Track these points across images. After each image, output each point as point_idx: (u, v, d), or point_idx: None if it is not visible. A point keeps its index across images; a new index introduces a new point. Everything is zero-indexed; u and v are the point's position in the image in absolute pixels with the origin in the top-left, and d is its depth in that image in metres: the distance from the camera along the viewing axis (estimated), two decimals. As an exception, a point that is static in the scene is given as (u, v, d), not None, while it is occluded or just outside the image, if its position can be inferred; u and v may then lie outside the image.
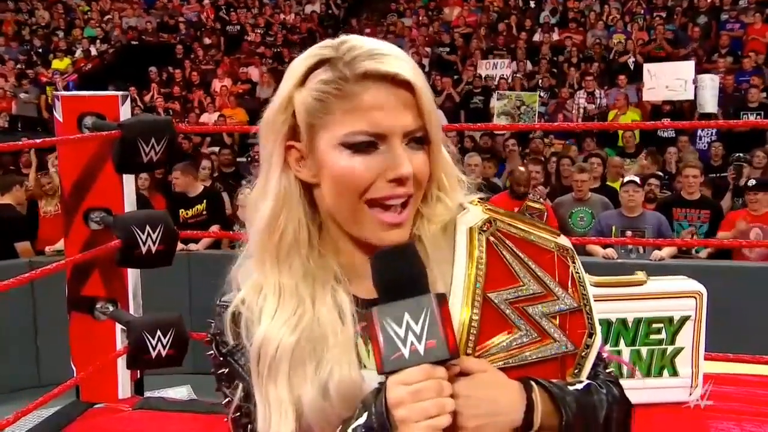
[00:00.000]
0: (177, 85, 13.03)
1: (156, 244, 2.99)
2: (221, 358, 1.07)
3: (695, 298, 2.02)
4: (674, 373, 2.19)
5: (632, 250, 5.82)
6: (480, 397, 0.94)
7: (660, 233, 5.72)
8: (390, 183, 0.97)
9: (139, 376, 3.53)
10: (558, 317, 1.03)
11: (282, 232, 1.01)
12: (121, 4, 16.56)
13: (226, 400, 1.08)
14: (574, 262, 1.07)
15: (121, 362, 3.36)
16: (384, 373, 0.90)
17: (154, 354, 3.03)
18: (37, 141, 3.48)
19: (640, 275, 1.73)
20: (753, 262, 5.72)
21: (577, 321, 1.04)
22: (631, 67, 11.68)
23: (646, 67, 9.82)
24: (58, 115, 3.29)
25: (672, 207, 6.19)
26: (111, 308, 3.30)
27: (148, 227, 3.00)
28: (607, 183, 7.19)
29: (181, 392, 4.04)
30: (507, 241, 1.05)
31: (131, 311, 3.38)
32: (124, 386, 3.46)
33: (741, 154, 7.72)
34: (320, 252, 1.04)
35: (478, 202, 1.09)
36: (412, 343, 0.89)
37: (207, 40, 14.64)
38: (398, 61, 0.98)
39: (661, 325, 2.13)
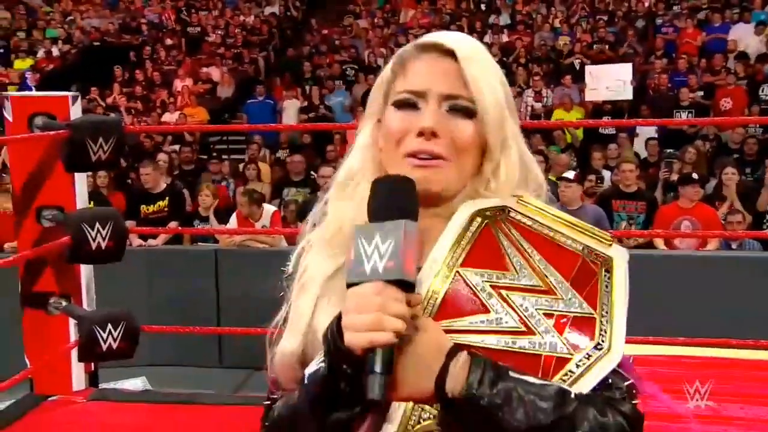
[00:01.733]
0: (139, 85, 12.88)
1: (105, 241, 2.98)
2: (283, 284, 1.13)
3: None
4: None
5: (573, 241, 5.93)
6: (411, 352, 0.91)
7: (598, 224, 5.81)
8: (418, 138, 1.02)
9: (93, 368, 3.50)
10: (555, 316, 0.96)
11: (357, 183, 1.09)
12: (83, 6, 16.29)
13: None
14: (607, 273, 1.00)
15: (75, 355, 3.33)
16: (347, 285, 0.92)
17: (105, 347, 3.01)
18: (-12, 141, 3.42)
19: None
20: (681, 251, 5.86)
21: (582, 327, 0.95)
22: (577, 68, 11.86)
23: (588, 69, 9.97)
24: (7, 115, 3.24)
25: (611, 199, 6.32)
26: (64, 303, 3.26)
27: (98, 224, 2.98)
28: (550, 177, 7.29)
29: (135, 383, 4.01)
30: (513, 230, 1.02)
31: (85, 306, 3.35)
32: (78, 378, 3.42)
33: (672, 151, 7.89)
34: None
35: (518, 196, 1.06)
36: (374, 261, 0.91)
37: (168, 41, 14.49)
38: (453, 36, 1.07)
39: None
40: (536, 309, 0.96)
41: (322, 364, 0.94)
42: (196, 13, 15.52)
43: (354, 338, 0.89)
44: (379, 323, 0.87)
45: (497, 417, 0.89)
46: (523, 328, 0.95)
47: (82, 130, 2.92)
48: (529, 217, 1.04)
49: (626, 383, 0.97)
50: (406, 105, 1.05)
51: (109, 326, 3.02)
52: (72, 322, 3.32)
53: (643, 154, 8.89)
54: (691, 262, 5.42)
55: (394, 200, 0.95)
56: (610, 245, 1.02)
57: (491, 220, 1.02)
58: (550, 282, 0.97)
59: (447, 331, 0.95)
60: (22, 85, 12.63)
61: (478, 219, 1.02)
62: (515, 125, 1.09)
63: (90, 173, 5.13)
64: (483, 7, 14.87)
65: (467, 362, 0.91)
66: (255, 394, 3.95)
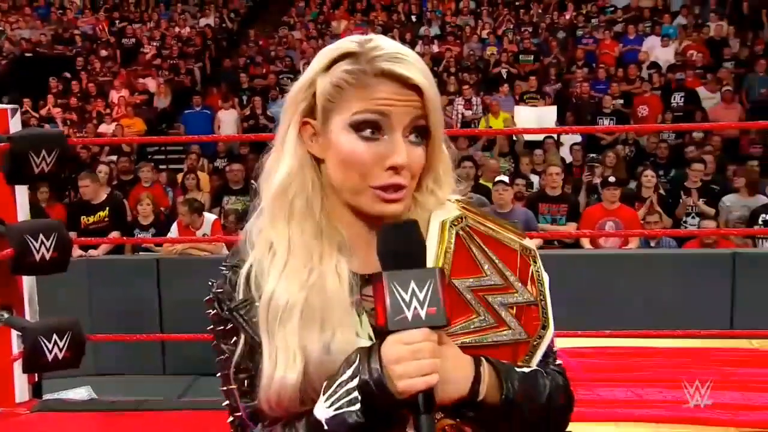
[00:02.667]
0: (74, 96, 12.56)
1: (50, 252, 2.93)
2: (225, 313, 1.08)
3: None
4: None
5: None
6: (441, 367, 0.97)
7: (528, 226, 5.97)
8: (387, 171, 1.01)
9: (36, 379, 3.43)
10: (515, 308, 1.07)
11: (294, 195, 1.05)
12: (13, 17, 15.80)
13: (224, 356, 1.09)
14: (535, 262, 1.11)
15: (18, 367, 3.26)
16: (388, 331, 0.94)
17: (50, 357, 2.96)
18: (-74, 154, 3.32)
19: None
20: (606, 249, 6.07)
21: (533, 313, 1.08)
22: (504, 77, 12.13)
23: (516, 109, 10.24)
24: (-54, 128, 3.17)
25: (538, 202, 6.50)
26: (6, 315, 3.20)
27: (41, 236, 2.93)
28: (481, 182, 7.44)
29: (80, 393, 3.94)
30: (475, 237, 1.09)
31: (27, 317, 3.29)
32: (21, 390, 3.35)
33: (594, 155, 8.15)
34: (329, 217, 1.07)
35: (456, 201, 1.13)
36: (415, 308, 0.93)
37: (103, 53, 14.17)
38: (413, 65, 1.03)
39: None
40: (502, 305, 1.07)
41: (350, 409, 0.96)
42: (130, 25, 15.24)
43: (410, 384, 0.92)
44: (434, 368, 0.93)
45: (520, 411, 1.03)
46: (497, 324, 1.06)
47: (23, 143, 2.88)
48: (478, 221, 1.11)
49: (554, 349, 1.14)
50: (369, 135, 1.02)
51: (55, 336, 2.97)
52: (14, 333, 3.25)
53: (569, 158, 9.16)
54: (615, 260, 5.62)
55: (415, 247, 0.98)
56: (524, 237, 1.14)
57: (458, 229, 1.09)
58: (508, 278, 1.08)
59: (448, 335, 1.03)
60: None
61: (448, 229, 1.09)
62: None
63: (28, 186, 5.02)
64: (414, 18, 15.04)
65: (491, 368, 1.02)
66: (200, 399, 3.93)
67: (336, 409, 0.96)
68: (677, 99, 10.71)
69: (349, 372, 0.97)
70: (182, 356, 5.40)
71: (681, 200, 6.91)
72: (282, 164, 1.07)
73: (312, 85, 1.06)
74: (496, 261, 1.09)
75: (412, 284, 0.94)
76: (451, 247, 1.08)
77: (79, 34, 14.80)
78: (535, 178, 7.78)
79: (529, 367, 1.07)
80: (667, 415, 2.53)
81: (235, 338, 1.08)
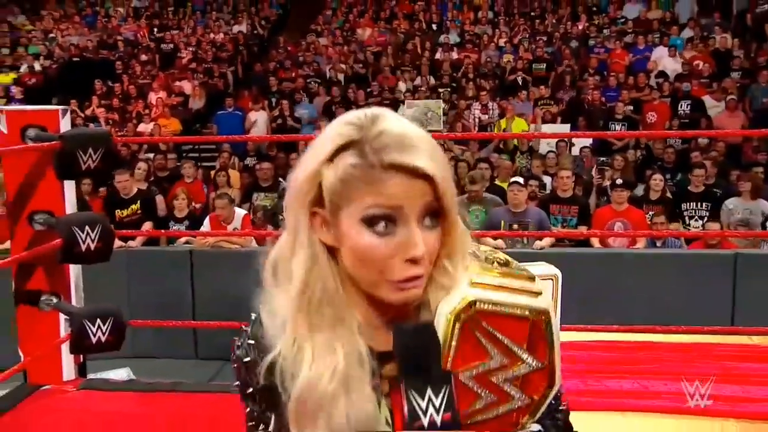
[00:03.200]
0: (116, 98, 12.71)
1: (94, 242, 2.98)
2: (252, 388, 1.06)
3: (552, 281, 2.14)
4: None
5: (518, 240, 6.06)
6: None
7: (541, 226, 5.96)
8: (406, 263, 0.95)
9: (82, 360, 3.49)
10: (521, 379, 1.01)
11: (313, 289, 0.98)
12: (64, 24, 16.03)
13: (252, 418, 1.08)
14: (548, 325, 1.03)
15: (65, 348, 3.32)
16: None
17: (94, 340, 3.02)
18: (-17, 151, 3.39)
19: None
20: (614, 249, 6.04)
21: (540, 378, 1.02)
22: (520, 83, 12.10)
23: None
24: (2, 127, 3.23)
25: (549, 204, 6.47)
26: (54, 300, 3.26)
27: (87, 227, 2.98)
28: (496, 182, 7.43)
29: (120, 374, 4.00)
30: (483, 322, 1.01)
31: (74, 303, 3.34)
32: (68, 369, 3.41)
33: (604, 159, 8.11)
34: (348, 302, 1.00)
35: (472, 282, 1.02)
36: (431, 415, 0.94)
37: (143, 57, 14.32)
38: (422, 151, 0.94)
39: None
40: (506, 380, 1.02)
41: None
42: (168, 32, 15.38)
43: None
44: None
45: None
46: (500, 399, 1.02)
47: (73, 142, 2.92)
48: (488, 302, 1.02)
49: (561, 392, 1.09)
50: (383, 229, 0.94)
51: (98, 321, 3.03)
52: (62, 317, 3.31)
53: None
54: (623, 258, 5.60)
55: (432, 350, 0.96)
56: (540, 292, 1.05)
57: (464, 319, 1.01)
58: (515, 353, 1.02)
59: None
60: (9, 99, 12.43)
61: (453, 322, 1.01)
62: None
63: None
64: (434, 27, 15.03)
65: None
66: (228, 383, 3.98)
67: None
68: (684, 107, 10.62)
69: None
70: (213, 342, 5.46)
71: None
72: (297, 256, 0.99)
73: (317, 176, 0.96)
74: (504, 340, 1.02)
75: (429, 392, 0.94)
76: (455, 342, 1.01)
77: (121, 40, 14.97)
78: (548, 180, 7.75)
79: (534, 423, 1.02)
80: (671, 406, 2.53)
81: (264, 406, 1.06)
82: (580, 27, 14.04)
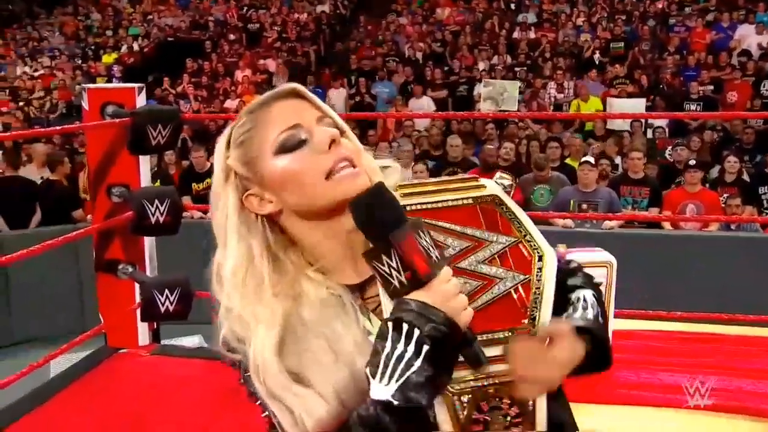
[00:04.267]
0: (205, 75, 12.97)
1: (163, 216, 2.99)
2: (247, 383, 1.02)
3: (606, 268, 1.99)
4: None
5: (586, 220, 5.82)
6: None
7: (611, 205, 5.72)
8: (329, 152, 0.95)
9: (155, 326, 3.55)
10: (497, 257, 0.97)
11: (251, 278, 0.99)
12: (160, 6, 16.45)
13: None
14: (500, 205, 1.00)
15: (140, 315, 3.38)
16: (430, 278, 0.87)
17: (162, 309, 3.05)
18: (66, 127, 3.46)
19: (561, 248, 1.74)
20: (685, 230, 5.71)
21: (518, 252, 0.97)
22: (596, 62, 11.61)
23: (609, 101, 9.73)
24: (84, 104, 3.28)
25: (620, 184, 6.18)
26: (130, 269, 3.31)
27: (156, 201, 2.99)
28: (566, 162, 7.15)
29: (193, 341, 4.06)
30: (422, 219, 0.97)
31: (148, 273, 3.39)
32: (143, 335, 3.47)
33: (679, 140, 7.68)
34: (308, 258, 1.01)
35: (398, 188, 1.01)
36: (432, 252, 0.88)
37: (231, 36, 14.52)
38: (286, 84, 1.02)
39: (575, 292, 2.11)
40: (478, 262, 0.97)
41: (414, 369, 0.84)
42: (255, 12, 15.52)
43: (468, 315, 0.89)
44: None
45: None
46: (485, 282, 0.96)
47: (143, 118, 2.93)
48: (419, 201, 1.00)
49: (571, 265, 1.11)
50: (295, 145, 0.96)
51: (166, 291, 3.05)
52: (137, 286, 3.36)
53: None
54: (694, 241, 5.29)
55: (396, 204, 0.90)
56: (484, 185, 1.02)
57: None
58: (474, 236, 0.98)
59: None
60: (110, 77, 12.90)
61: None
62: None
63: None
64: (512, 6, 14.59)
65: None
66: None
67: (398, 379, 0.84)
68: (767, 86, 9.92)
69: (388, 343, 0.85)
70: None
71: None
72: (228, 257, 0.99)
73: (228, 169, 1.00)
74: (453, 227, 0.98)
75: (420, 233, 0.88)
76: None
77: (212, 21, 15.22)
78: (619, 160, 7.40)
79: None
80: (726, 404, 2.32)
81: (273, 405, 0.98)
82: (660, 5, 13.30)
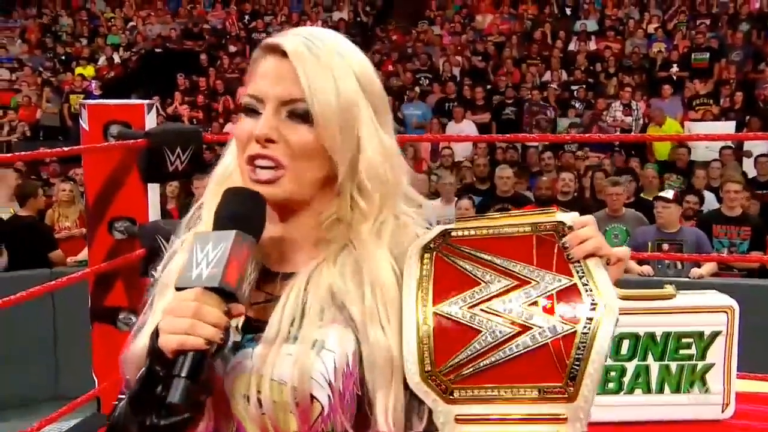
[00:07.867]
0: (201, 94, 13.19)
1: (181, 254, 3.05)
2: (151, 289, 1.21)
3: (726, 313, 2.03)
4: (706, 389, 2.21)
5: (669, 265, 5.81)
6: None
7: (699, 248, 5.69)
8: (256, 143, 1.06)
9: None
10: (539, 302, 0.98)
11: (232, 181, 1.14)
12: (145, 11, 16.76)
13: None
14: (563, 235, 1.02)
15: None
16: (176, 289, 0.99)
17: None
18: (64, 149, 3.57)
19: (669, 289, 1.80)
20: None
21: (570, 297, 0.98)
22: (674, 79, 11.63)
23: (686, 125, 9.76)
24: (84, 123, 3.37)
25: (712, 224, 6.17)
26: (133, 319, 3.37)
27: (172, 237, 3.06)
28: (642, 196, 7.18)
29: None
30: (463, 248, 1.04)
31: (153, 322, 3.44)
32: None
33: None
34: None
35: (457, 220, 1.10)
36: (201, 268, 0.97)
37: (232, 48, 14.79)
38: (292, 36, 1.09)
39: (691, 339, 2.13)
40: (520, 305, 0.98)
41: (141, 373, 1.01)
42: (261, 19, 15.79)
43: (165, 340, 0.96)
44: (191, 328, 0.95)
45: None
46: (518, 329, 0.97)
47: (161, 140, 3.02)
48: (468, 227, 1.06)
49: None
50: (250, 111, 1.08)
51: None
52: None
53: (752, 173, 8.62)
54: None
55: (237, 211, 1.03)
56: (555, 213, 1.05)
57: (437, 250, 1.04)
58: (519, 274, 1.00)
59: (456, 372, 0.99)
60: (87, 94, 13.03)
61: (426, 255, 1.04)
62: (372, 123, 1.09)
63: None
64: (568, 11, 14.73)
65: None
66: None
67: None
68: None
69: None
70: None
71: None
72: (227, 155, 1.18)
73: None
74: (497, 261, 1.00)
75: (210, 245, 0.99)
76: (429, 274, 1.02)
77: (208, 29, 15.52)
78: (710, 196, 7.41)
79: None
80: None
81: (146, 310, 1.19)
82: (756, 5, 13.31)
